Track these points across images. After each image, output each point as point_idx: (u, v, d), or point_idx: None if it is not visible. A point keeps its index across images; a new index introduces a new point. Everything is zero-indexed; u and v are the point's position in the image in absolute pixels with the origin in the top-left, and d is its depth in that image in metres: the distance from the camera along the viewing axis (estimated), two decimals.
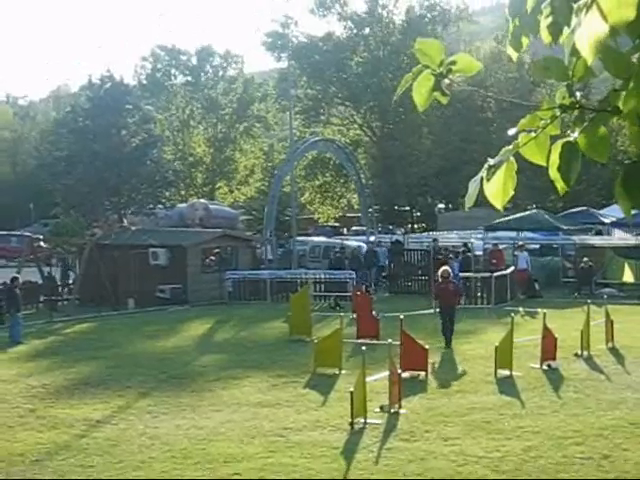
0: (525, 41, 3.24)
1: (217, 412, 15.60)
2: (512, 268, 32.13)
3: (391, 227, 63.99)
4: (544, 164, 2.99)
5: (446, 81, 3.11)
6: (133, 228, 42.76)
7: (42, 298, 34.22)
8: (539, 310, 24.26)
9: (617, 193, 2.77)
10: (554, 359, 19.04)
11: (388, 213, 63.99)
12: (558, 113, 3.00)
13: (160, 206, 55.60)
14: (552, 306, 27.32)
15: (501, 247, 35.45)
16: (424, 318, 25.75)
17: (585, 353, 20.01)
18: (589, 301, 22.31)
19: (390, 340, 15.99)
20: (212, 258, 36.66)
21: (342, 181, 64.45)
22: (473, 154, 50.92)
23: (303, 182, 64.78)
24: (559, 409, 15.19)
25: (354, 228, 63.83)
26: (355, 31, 65.20)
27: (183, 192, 68.17)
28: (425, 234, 53.30)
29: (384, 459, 12.33)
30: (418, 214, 68.52)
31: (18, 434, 14.39)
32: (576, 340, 20.16)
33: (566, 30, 2.83)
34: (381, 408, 14.97)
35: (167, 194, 58.11)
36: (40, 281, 34.35)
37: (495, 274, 30.99)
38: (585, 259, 33.41)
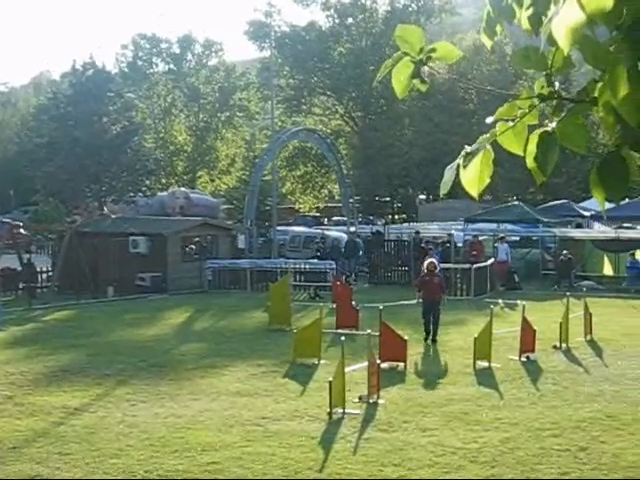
0: (499, 29, 3.24)
1: (196, 401, 15.58)
2: (492, 260, 32.24)
3: (372, 218, 64.11)
4: (521, 154, 2.99)
5: (425, 69, 3.10)
6: (113, 216, 42.59)
7: (21, 285, 34.04)
8: (518, 302, 24.37)
9: (592, 182, 2.78)
10: (533, 351, 19.14)
11: (369, 204, 64.10)
12: (536, 102, 2.99)
13: (140, 194, 55.34)
14: (531, 298, 27.48)
15: (481, 239, 35.59)
16: (404, 309, 25.78)
17: (564, 345, 20.13)
18: (568, 293, 22.38)
19: (369, 330, 16.03)
20: (192, 247, 36.60)
21: (323, 171, 64.51)
22: (454, 146, 50.78)
23: (284, 172, 64.74)
24: (537, 401, 15.27)
25: (335, 218, 63.82)
26: (338, 21, 65.16)
27: (164, 180, 68.02)
28: (406, 225, 53.49)
29: (362, 449, 12.35)
30: (399, 205, 68.65)
31: None
32: (555, 332, 20.27)
33: (545, 20, 2.83)
34: (360, 398, 14.98)
35: (148, 182, 57.77)
36: (19, 268, 34.16)
37: (475, 266, 31.08)
38: (565, 252, 33.53)
